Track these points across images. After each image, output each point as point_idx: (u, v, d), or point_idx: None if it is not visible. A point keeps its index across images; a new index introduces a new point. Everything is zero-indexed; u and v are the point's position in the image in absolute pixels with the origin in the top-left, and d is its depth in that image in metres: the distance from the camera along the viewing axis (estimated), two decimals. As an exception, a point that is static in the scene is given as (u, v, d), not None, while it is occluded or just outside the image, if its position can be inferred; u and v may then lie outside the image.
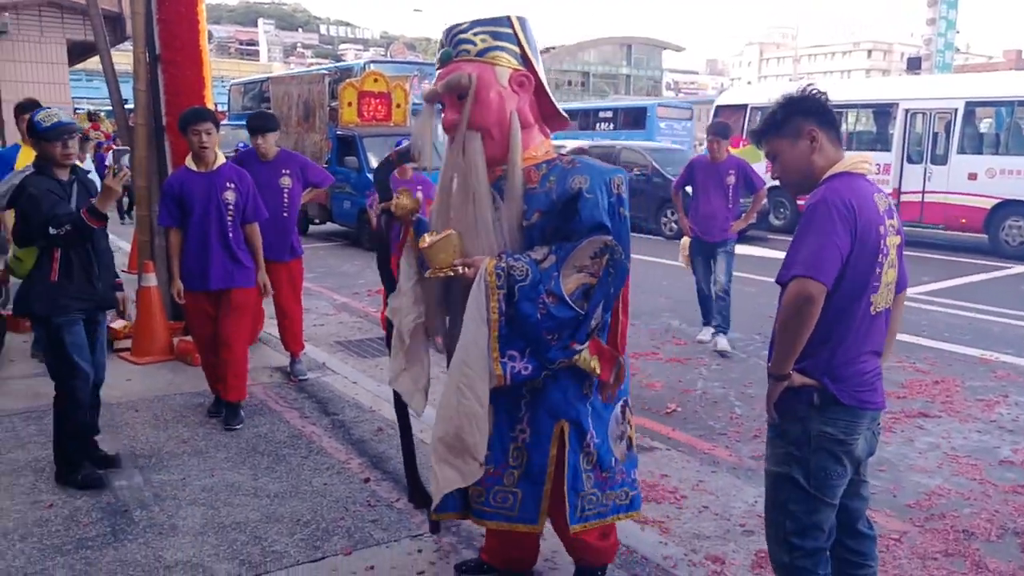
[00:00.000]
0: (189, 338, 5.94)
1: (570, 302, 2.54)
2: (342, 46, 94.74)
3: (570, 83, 71.43)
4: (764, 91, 18.62)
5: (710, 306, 7.15)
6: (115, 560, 3.31)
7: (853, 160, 2.45)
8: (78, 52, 10.91)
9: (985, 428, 5.19)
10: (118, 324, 6.65)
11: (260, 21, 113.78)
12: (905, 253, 2.57)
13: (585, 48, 73.88)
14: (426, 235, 2.71)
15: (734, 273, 7.16)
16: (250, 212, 4.95)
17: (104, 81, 7.52)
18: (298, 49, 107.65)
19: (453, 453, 2.69)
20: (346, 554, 3.38)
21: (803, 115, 2.46)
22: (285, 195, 5.73)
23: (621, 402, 2.88)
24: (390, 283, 3.05)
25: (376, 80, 13.29)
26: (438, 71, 2.78)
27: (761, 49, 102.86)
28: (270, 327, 6.71)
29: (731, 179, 6.88)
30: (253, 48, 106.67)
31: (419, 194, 3.22)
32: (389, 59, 34.09)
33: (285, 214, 5.71)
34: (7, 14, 9.32)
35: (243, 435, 4.73)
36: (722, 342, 6.96)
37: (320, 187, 6.17)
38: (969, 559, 3.56)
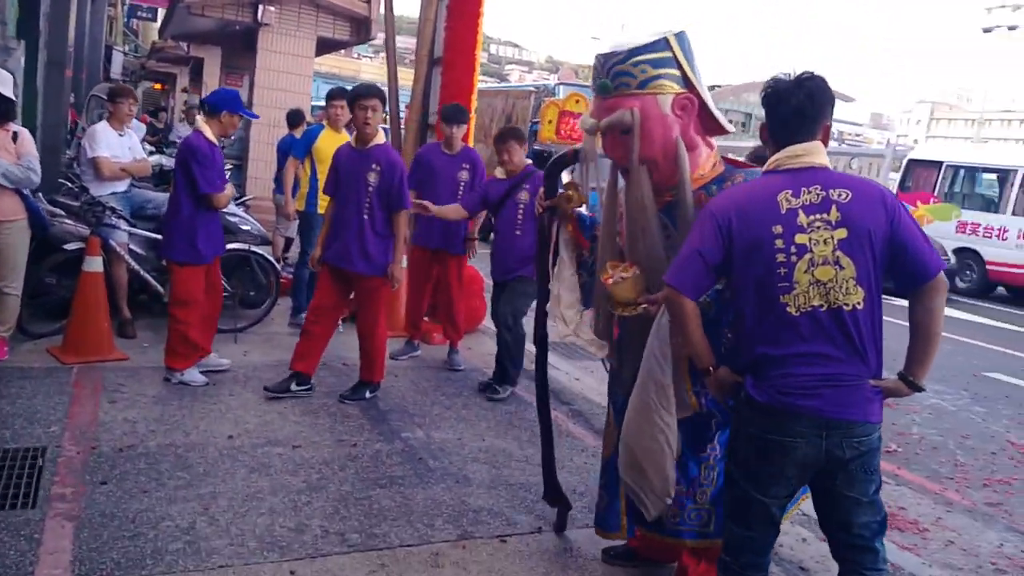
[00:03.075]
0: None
1: None
2: (508, 66, 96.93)
3: (731, 123, 70.46)
4: (961, 150, 18.10)
5: None
6: (427, 498, 3.76)
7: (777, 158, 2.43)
8: (320, 48, 11.85)
9: None
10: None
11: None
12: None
13: (751, 89, 72.43)
14: (608, 267, 2.73)
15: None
16: (394, 199, 4.83)
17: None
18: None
19: (641, 486, 2.76)
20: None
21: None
22: (461, 188, 5.79)
23: None
24: (546, 278, 3.18)
25: (578, 101, 13.82)
26: (595, 99, 2.77)
27: (933, 108, 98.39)
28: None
29: None
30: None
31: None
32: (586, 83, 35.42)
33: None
34: (272, 8, 10.32)
35: (497, 410, 5.14)
36: None
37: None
38: None
